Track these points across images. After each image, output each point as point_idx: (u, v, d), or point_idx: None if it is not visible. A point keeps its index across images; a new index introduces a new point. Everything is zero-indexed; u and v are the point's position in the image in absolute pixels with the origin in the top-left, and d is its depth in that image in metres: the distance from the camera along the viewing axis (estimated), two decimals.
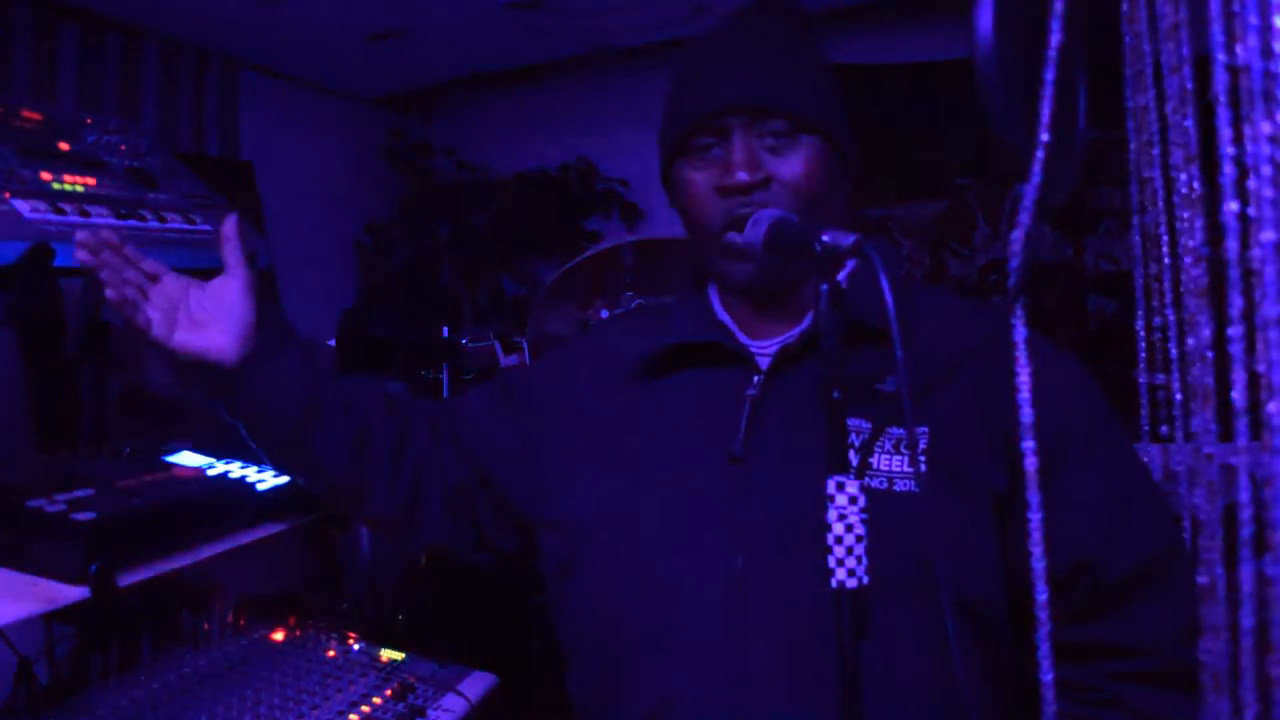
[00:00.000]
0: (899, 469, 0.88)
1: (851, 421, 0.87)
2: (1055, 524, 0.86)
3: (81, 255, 0.98)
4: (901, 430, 0.89)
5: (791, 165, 0.93)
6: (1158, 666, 0.85)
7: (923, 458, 0.88)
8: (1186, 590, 0.60)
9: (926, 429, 0.89)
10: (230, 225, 1.04)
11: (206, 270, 1.27)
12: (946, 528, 0.85)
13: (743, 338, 1.01)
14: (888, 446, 0.89)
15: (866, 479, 0.85)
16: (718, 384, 0.98)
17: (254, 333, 1.03)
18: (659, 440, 0.99)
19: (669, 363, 1.02)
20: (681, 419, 0.99)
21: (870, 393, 0.88)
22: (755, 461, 0.92)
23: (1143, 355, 1.05)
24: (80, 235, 0.98)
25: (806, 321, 0.98)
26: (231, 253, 1.04)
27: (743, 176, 0.91)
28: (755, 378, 0.96)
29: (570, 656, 1.03)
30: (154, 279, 1.03)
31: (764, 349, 0.99)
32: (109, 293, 0.98)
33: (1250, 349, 0.40)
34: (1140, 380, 1.11)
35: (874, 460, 0.88)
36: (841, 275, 0.99)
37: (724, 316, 1.04)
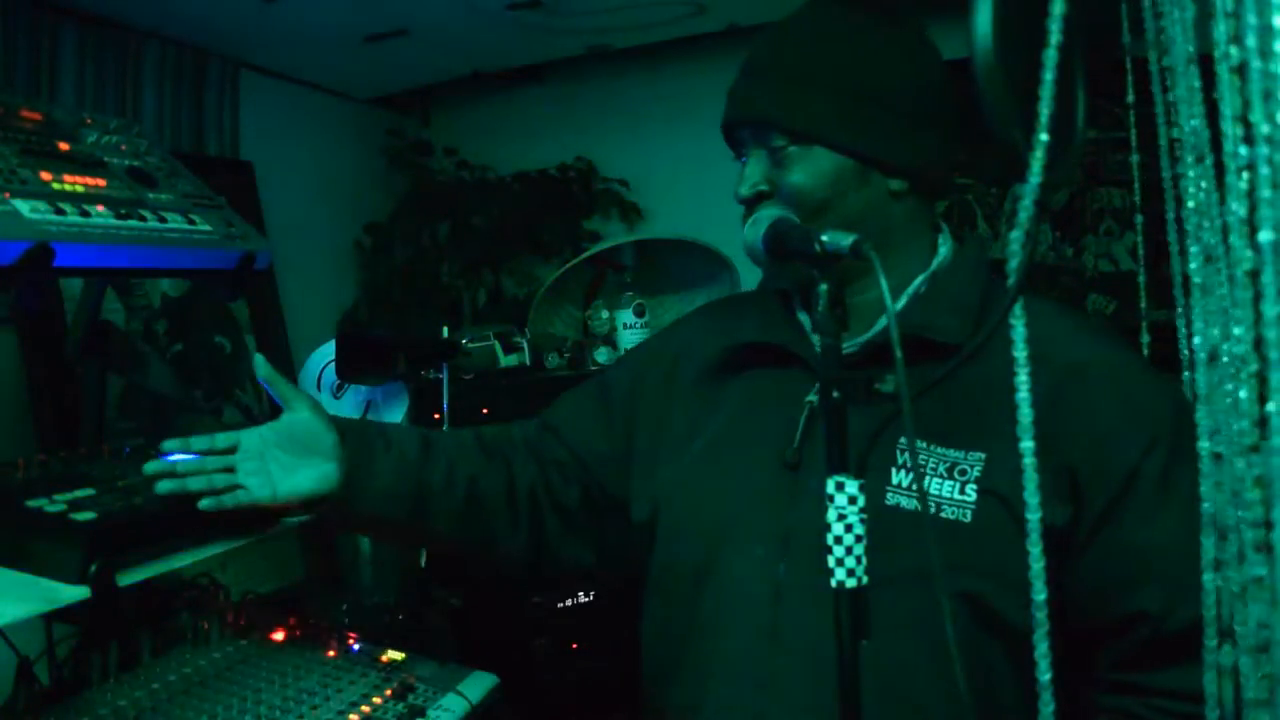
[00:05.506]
0: (949, 495, 0.87)
1: (903, 438, 0.88)
2: (1113, 568, 0.84)
3: (167, 486, 0.99)
4: (957, 453, 0.88)
5: (791, 177, 0.93)
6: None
7: (974, 486, 0.86)
8: None
9: (983, 456, 0.87)
10: (264, 368, 1.03)
11: (206, 270, 1.27)
12: (994, 559, 0.83)
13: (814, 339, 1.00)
14: (941, 470, 0.87)
15: (929, 505, 0.86)
16: (782, 386, 0.98)
17: (341, 448, 1.02)
18: (723, 439, 1.00)
19: (741, 360, 1.02)
20: (746, 419, 1.00)
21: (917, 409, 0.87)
22: (809, 469, 0.92)
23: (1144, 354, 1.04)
24: (164, 485, 0.99)
25: (875, 329, 0.96)
26: (281, 388, 1.04)
27: (741, 191, 0.95)
28: (817, 383, 0.94)
29: (645, 640, 1.07)
30: (234, 450, 1.02)
31: None
32: (204, 503, 0.98)
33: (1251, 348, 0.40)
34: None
35: (926, 484, 0.88)
36: (915, 284, 0.97)
37: (801, 316, 1.02)
